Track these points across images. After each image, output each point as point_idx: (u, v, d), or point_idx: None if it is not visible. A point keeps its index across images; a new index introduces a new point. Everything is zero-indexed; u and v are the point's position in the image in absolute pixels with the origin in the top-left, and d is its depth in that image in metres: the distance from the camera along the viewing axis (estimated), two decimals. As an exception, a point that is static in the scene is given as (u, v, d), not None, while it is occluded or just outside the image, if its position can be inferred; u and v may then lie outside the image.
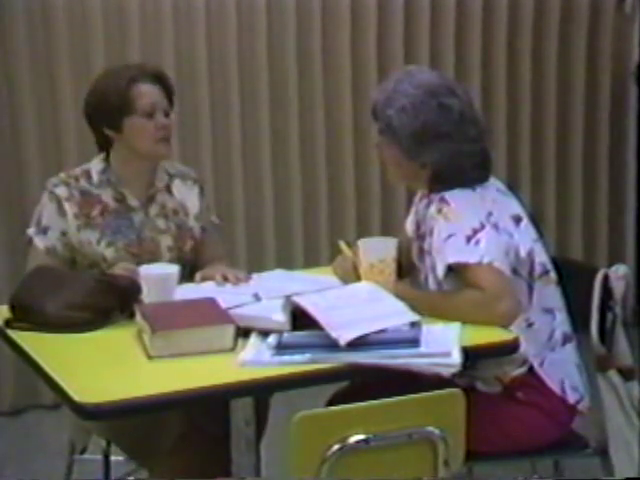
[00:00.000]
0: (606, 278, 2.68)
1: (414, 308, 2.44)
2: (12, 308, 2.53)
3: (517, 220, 2.61)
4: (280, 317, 2.36)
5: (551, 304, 2.63)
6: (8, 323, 2.50)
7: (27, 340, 2.40)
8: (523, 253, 2.56)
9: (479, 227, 2.50)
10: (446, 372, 2.20)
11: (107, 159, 2.88)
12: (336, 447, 2.08)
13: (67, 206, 2.81)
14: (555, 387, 2.59)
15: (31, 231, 2.85)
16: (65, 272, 2.61)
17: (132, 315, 2.44)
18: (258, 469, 2.42)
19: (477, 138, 2.63)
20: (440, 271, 2.50)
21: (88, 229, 2.82)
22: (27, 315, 2.48)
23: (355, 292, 2.50)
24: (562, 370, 2.61)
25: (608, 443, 2.60)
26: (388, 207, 4.66)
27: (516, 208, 2.64)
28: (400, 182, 2.80)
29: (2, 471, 3.65)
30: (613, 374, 2.65)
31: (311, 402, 2.35)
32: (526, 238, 2.60)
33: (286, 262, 4.26)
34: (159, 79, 2.86)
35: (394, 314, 2.36)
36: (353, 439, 2.09)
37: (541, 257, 2.61)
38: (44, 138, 4.12)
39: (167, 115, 2.85)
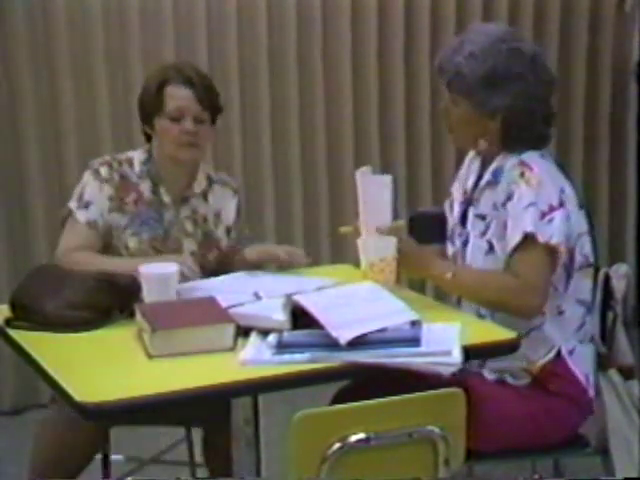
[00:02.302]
0: (607, 277, 2.68)
1: (445, 280, 2.53)
2: (12, 307, 2.53)
3: (580, 205, 2.60)
4: (280, 316, 2.36)
5: (586, 297, 2.63)
6: (8, 322, 2.49)
7: (27, 339, 2.40)
8: (572, 239, 2.56)
9: (556, 205, 2.50)
10: (446, 371, 2.20)
11: (150, 150, 2.91)
12: (336, 446, 2.08)
13: (106, 187, 2.84)
14: (581, 377, 2.60)
15: (73, 205, 2.86)
16: (65, 271, 2.61)
17: (132, 314, 2.44)
18: (259, 468, 2.42)
19: (551, 82, 2.63)
20: (516, 238, 2.49)
21: (119, 213, 2.85)
22: (27, 314, 2.48)
23: (355, 291, 2.49)
24: (587, 365, 2.63)
25: (608, 442, 2.60)
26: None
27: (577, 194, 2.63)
28: (468, 144, 2.68)
29: (2, 470, 3.65)
30: (613, 373, 2.65)
31: (311, 401, 2.35)
32: (579, 225, 2.58)
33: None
34: (193, 84, 2.82)
35: (394, 313, 2.36)
36: (353, 438, 2.08)
37: (586, 249, 2.60)
38: (44, 138, 4.12)
39: (201, 121, 2.82)
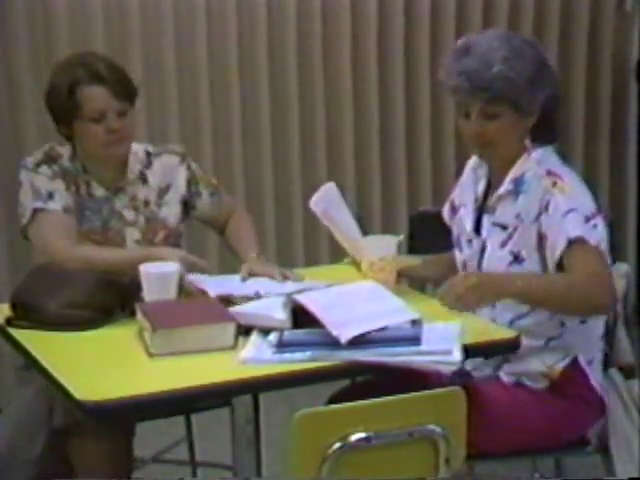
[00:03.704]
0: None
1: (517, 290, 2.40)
2: (13, 306, 2.53)
3: (605, 216, 2.57)
4: (281, 315, 2.36)
5: None
6: (9, 321, 2.49)
7: (28, 338, 2.40)
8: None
9: (596, 212, 2.47)
10: (446, 370, 2.20)
11: (75, 148, 2.84)
12: (337, 445, 2.08)
13: (57, 180, 2.79)
14: (596, 385, 2.59)
15: (37, 204, 2.77)
16: (66, 270, 2.60)
17: (133, 313, 2.44)
18: (259, 468, 2.42)
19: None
20: (561, 246, 2.42)
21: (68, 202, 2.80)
22: (28, 313, 2.48)
23: (356, 290, 2.49)
24: (601, 371, 2.62)
25: (609, 441, 2.60)
26: (389, 206, 4.66)
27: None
28: (515, 151, 2.55)
29: (2, 471, 3.64)
30: (614, 372, 2.65)
31: (312, 400, 2.35)
32: (604, 234, 2.54)
33: (286, 262, 4.26)
34: (106, 80, 2.72)
35: (395, 312, 2.36)
36: (354, 437, 2.08)
37: (610, 257, 2.56)
38: (45, 138, 4.10)
39: (123, 113, 2.74)
